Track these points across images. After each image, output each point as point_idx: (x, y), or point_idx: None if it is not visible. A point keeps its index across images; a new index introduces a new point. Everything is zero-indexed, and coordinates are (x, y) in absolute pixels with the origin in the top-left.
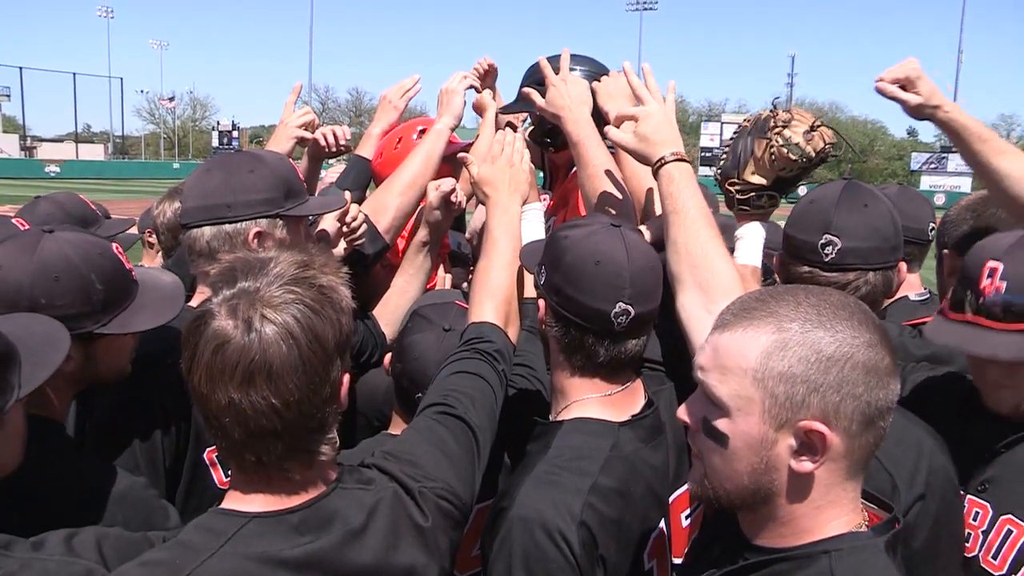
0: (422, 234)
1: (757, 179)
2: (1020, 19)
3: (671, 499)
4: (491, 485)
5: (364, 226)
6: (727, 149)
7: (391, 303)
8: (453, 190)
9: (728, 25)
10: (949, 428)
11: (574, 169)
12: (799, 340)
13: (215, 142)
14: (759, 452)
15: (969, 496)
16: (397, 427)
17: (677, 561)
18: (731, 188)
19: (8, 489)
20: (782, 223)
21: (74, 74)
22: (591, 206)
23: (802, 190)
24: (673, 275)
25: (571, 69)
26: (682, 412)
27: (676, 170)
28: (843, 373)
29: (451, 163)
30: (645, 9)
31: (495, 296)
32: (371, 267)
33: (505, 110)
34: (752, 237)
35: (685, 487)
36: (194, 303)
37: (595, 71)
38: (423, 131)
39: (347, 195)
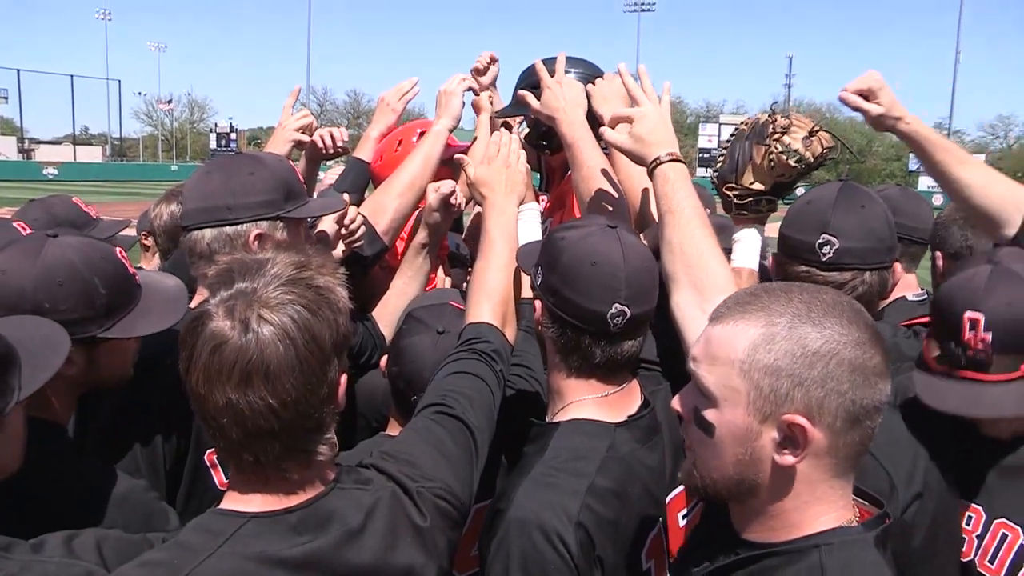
0: (421, 236)
1: (756, 185)
2: (1018, 20)
3: (668, 499)
4: (489, 485)
5: (362, 228)
6: (724, 152)
7: (390, 304)
8: (452, 192)
9: (726, 26)
10: (940, 430)
11: (571, 171)
12: (786, 334)
13: (213, 144)
14: (744, 443)
15: (961, 500)
16: (394, 429)
17: None
18: (729, 192)
19: (8, 491)
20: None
21: (72, 76)
22: (585, 207)
23: (800, 191)
24: (668, 275)
25: (566, 71)
26: (675, 402)
27: (671, 171)
28: (827, 369)
29: (450, 165)
30: (643, 10)
31: (492, 297)
32: (370, 269)
33: (500, 114)
34: (750, 240)
35: (682, 487)
36: (194, 305)
37: (590, 73)
38: (423, 133)
39: (345, 197)
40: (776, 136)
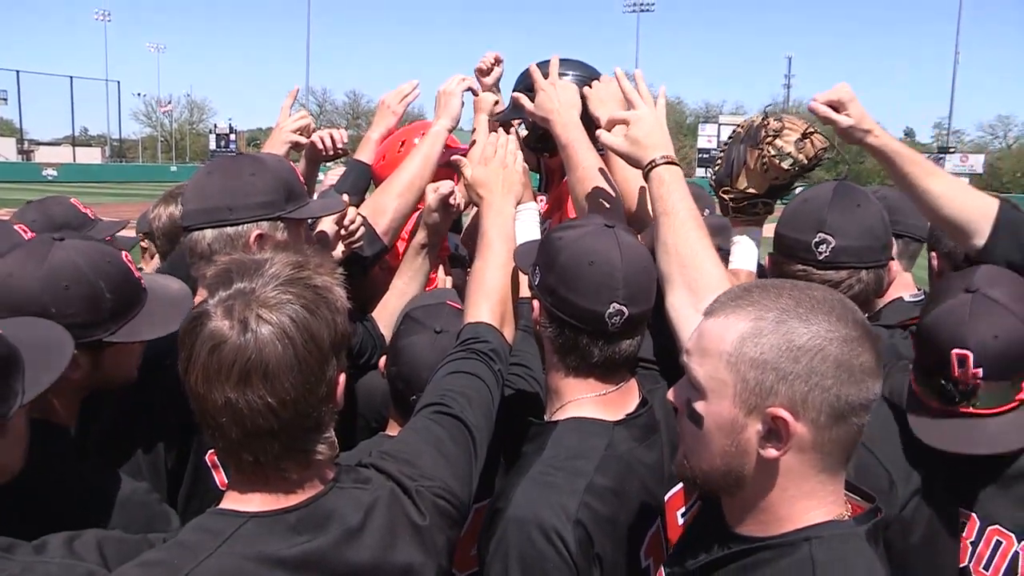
0: (421, 236)
1: (751, 188)
2: (1018, 20)
3: (666, 497)
4: (488, 485)
5: (362, 229)
6: (722, 155)
7: (390, 305)
8: (451, 192)
9: (725, 26)
10: None
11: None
12: (773, 329)
13: (212, 145)
14: (730, 435)
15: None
16: (393, 429)
17: None
18: (725, 196)
19: (10, 493)
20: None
21: (71, 77)
22: (581, 208)
23: (797, 191)
24: (663, 275)
25: (562, 74)
26: (670, 394)
27: (666, 173)
28: (812, 364)
29: (449, 166)
30: (642, 11)
31: (490, 297)
32: (370, 269)
33: (497, 118)
34: (747, 242)
35: (681, 485)
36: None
37: (586, 76)
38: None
39: (345, 198)
40: (769, 139)
